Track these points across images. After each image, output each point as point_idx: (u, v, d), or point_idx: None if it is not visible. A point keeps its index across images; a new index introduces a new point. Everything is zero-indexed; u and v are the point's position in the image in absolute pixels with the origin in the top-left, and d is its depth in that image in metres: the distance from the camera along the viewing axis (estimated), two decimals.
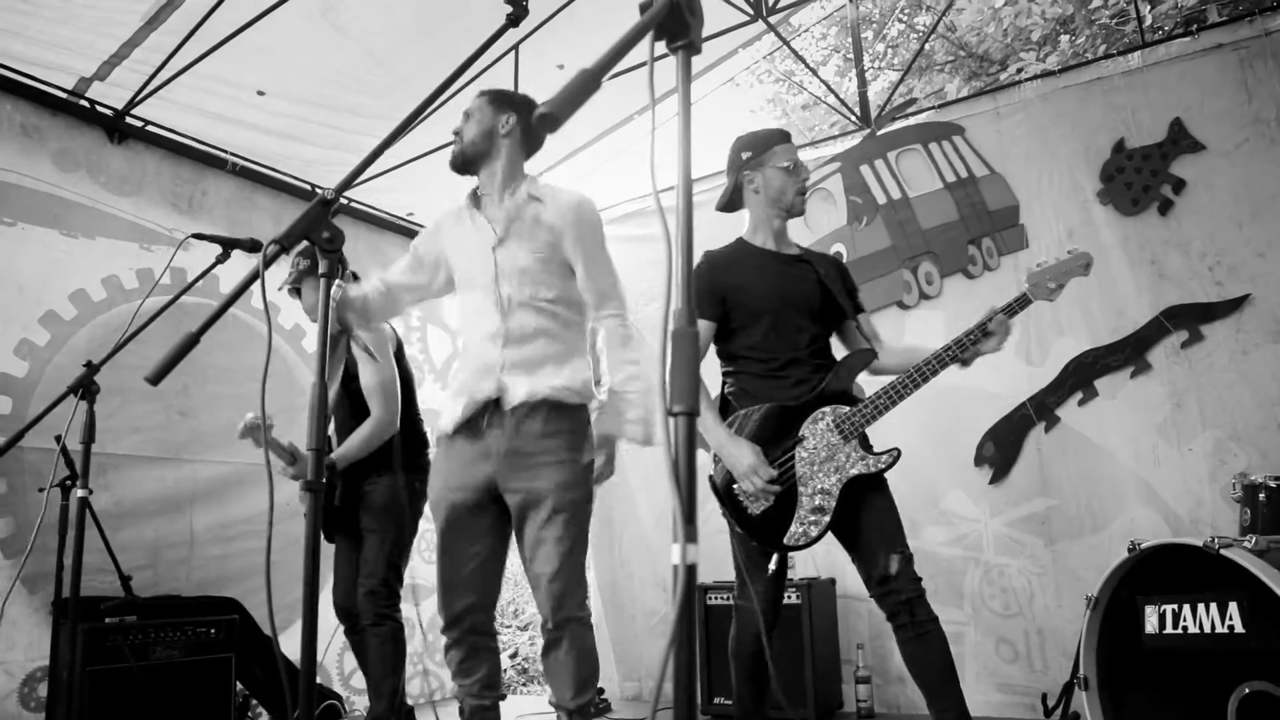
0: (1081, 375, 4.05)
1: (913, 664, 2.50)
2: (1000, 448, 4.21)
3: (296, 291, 3.54)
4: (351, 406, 3.38)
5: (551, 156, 5.45)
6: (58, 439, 3.19)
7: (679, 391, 0.94)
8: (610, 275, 2.56)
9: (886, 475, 2.64)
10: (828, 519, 2.58)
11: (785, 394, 2.67)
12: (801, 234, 4.89)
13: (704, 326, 2.73)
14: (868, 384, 2.72)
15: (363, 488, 3.35)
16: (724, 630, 4.15)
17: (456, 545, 2.40)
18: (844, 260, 4.30)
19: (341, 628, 3.51)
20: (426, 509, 3.10)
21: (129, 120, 4.27)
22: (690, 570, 0.90)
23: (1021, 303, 2.65)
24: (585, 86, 0.98)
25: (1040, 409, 4.13)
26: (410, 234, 5.66)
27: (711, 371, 2.54)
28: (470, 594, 2.38)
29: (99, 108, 4.18)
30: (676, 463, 0.92)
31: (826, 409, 2.64)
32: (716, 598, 4.35)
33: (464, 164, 2.58)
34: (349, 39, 4.16)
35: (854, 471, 2.59)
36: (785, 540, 2.58)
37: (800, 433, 2.63)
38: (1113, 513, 3.89)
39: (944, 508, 4.29)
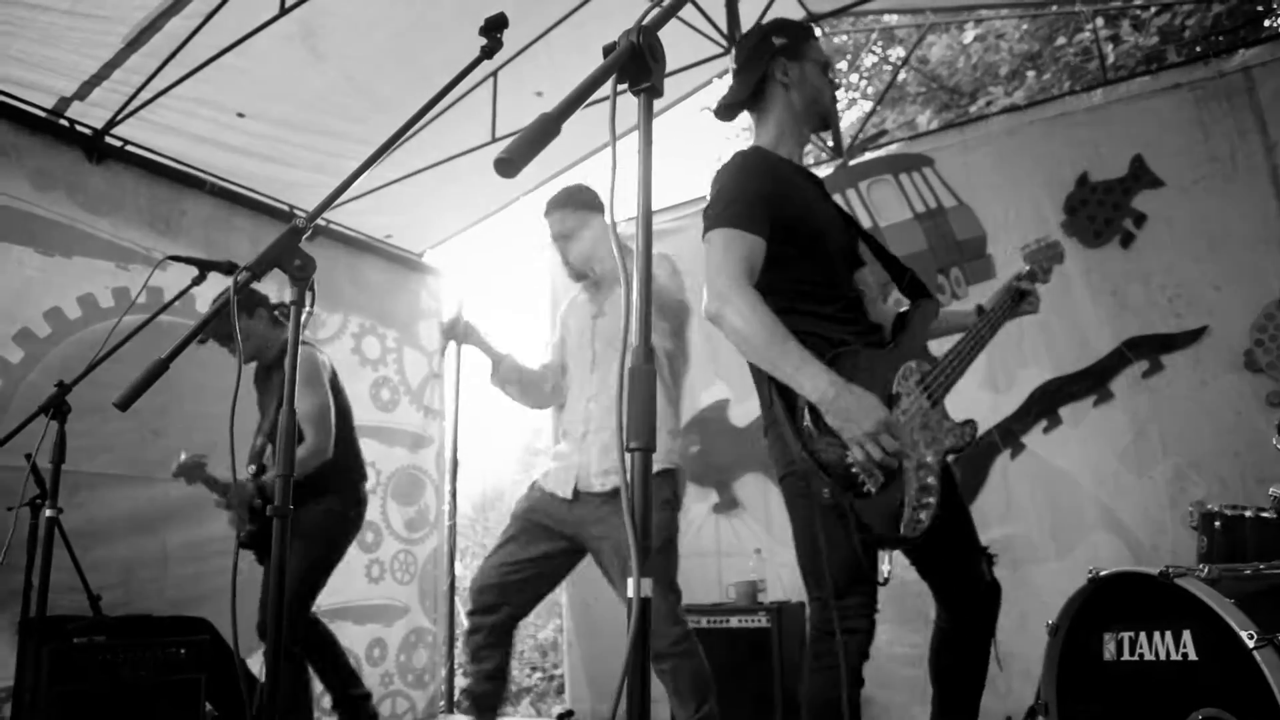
0: (1046, 403, 4.14)
1: (950, 673, 2.25)
2: (966, 474, 4.28)
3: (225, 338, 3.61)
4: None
5: (527, 182, 5.49)
6: (28, 457, 3.19)
7: (636, 428, 0.99)
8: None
9: None
10: (934, 501, 1.93)
11: (858, 344, 2.03)
12: None
13: (756, 244, 1.97)
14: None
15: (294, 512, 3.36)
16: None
17: None
18: None
19: None
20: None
21: (108, 140, 4.29)
22: (645, 602, 0.94)
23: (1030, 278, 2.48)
24: (545, 131, 1.03)
25: (1006, 436, 4.21)
26: (388, 256, 5.69)
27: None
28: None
29: (78, 127, 4.20)
30: (632, 498, 0.96)
31: (913, 363, 2.05)
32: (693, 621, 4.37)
33: (581, 276, 3.07)
34: (328, 64, 4.21)
35: (949, 442, 2.03)
36: (902, 531, 1.89)
37: (895, 389, 1.99)
38: (1076, 539, 3.97)
39: None
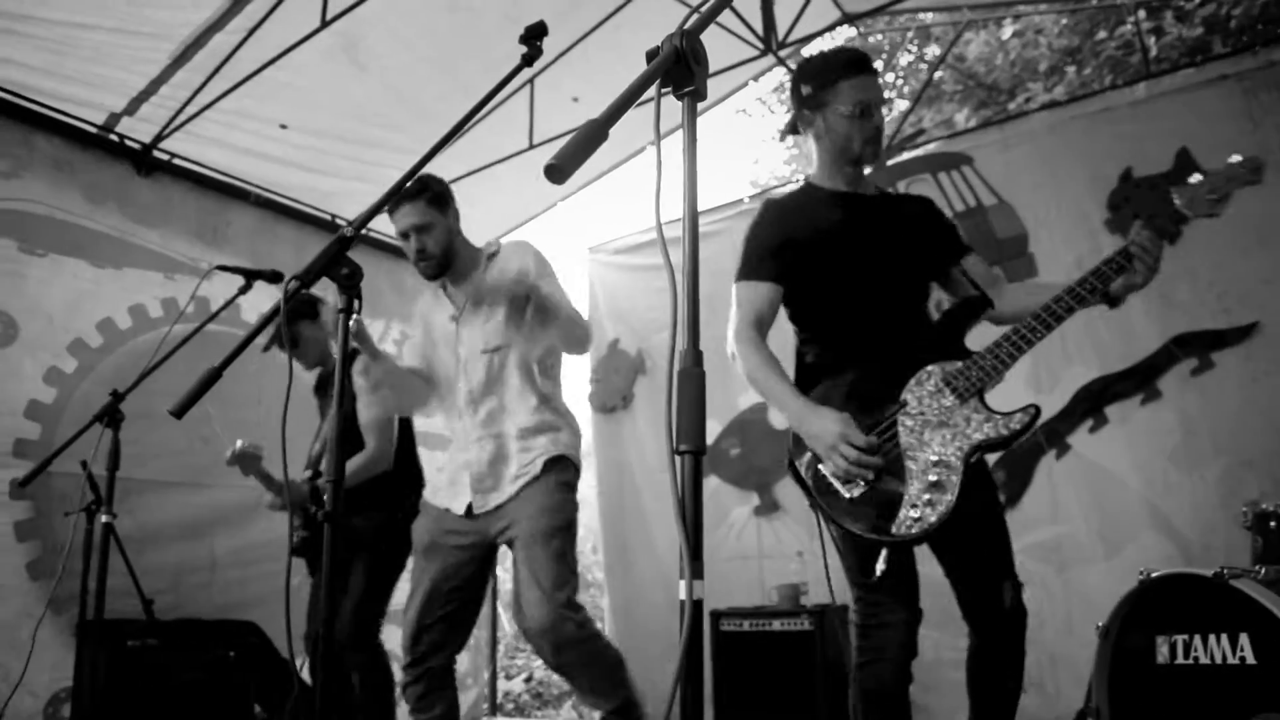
0: (1091, 403, 4.07)
1: (985, 684, 2.25)
2: (1011, 475, 4.23)
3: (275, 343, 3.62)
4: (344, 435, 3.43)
5: (567, 186, 5.53)
6: (83, 465, 3.27)
7: (685, 431, 0.99)
8: None
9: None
10: (950, 498, 1.97)
11: (878, 359, 2.16)
12: None
13: (764, 290, 2.24)
14: (988, 336, 2.15)
15: (351, 521, 3.36)
16: (738, 658, 4.19)
17: None
18: None
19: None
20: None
21: (156, 154, 4.38)
22: (697, 605, 0.95)
23: (1174, 218, 2.21)
24: (592, 138, 1.04)
25: (1051, 436, 4.15)
26: None
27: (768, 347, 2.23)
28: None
29: (128, 142, 4.30)
30: (683, 500, 0.97)
31: (933, 366, 2.12)
32: (730, 625, 4.35)
33: (441, 271, 2.86)
34: (368, 74, 4.27)
35: (979, 436, 2.03)
36: (894, 530, 1.98)
37: (901, 397, 2.11)
38: (1124, 540, 3.90)
39: None
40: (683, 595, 0.96)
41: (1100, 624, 2.81)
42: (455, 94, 4.34)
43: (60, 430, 3.78)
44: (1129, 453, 3.96)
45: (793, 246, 2.25)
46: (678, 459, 0.99)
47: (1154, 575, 2.70)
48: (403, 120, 4.51)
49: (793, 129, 2.40)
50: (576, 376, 5.86)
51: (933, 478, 2.00)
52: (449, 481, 2.84)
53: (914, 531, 1.97)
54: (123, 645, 3.42)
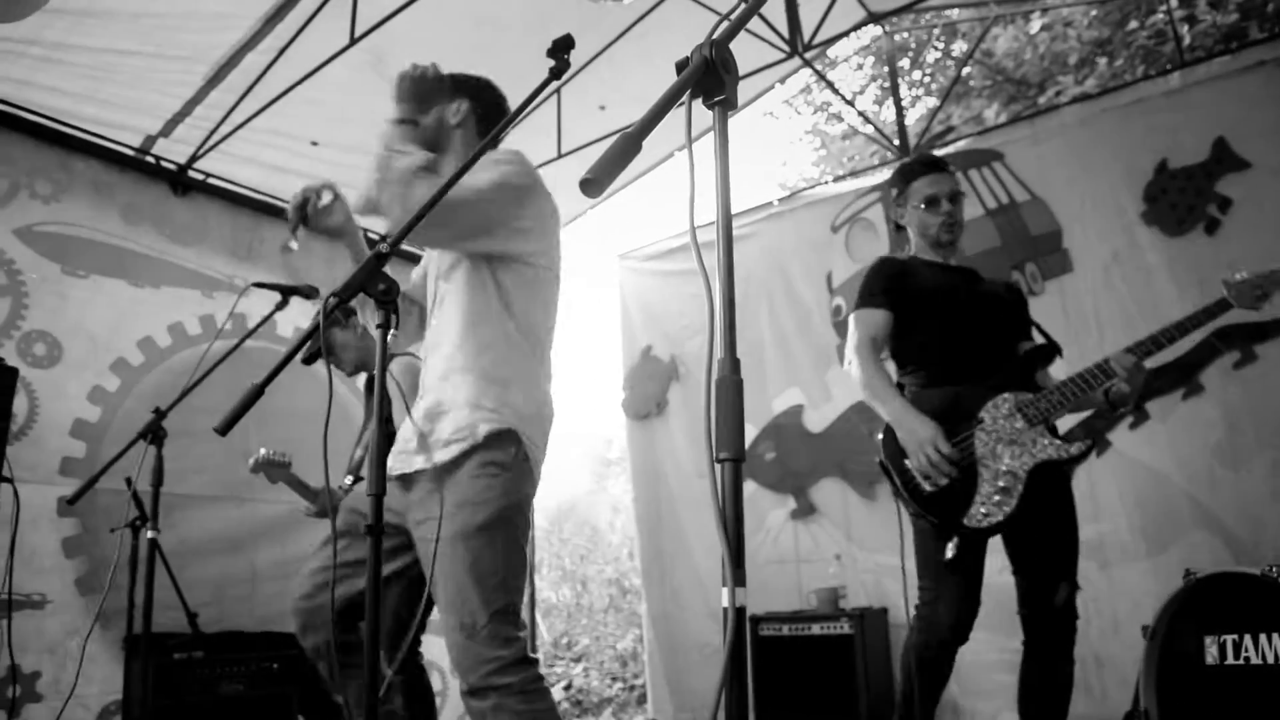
0: None
1: (1032, 693, 2.52)
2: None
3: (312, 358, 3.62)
4: (387, 446, 3.46)
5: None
6: (128, 482, 3.33)
7: (724, 438, 0.99)
8: None
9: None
10: (1014, 503, 2.41)
11: (964, 385, 2.60)
12: (844, 264, 4.93)
13: (879, 315, 2.71)
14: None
15: None
16: (777, 662, 4.17)
17: None
18: None
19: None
20: None
21: (191, 174, 4.46)
22: (740, 612, 0.95)
23: (1220, 306, 2.63)
24: (625, 150, 1.04)
25: (1090, 433, 4.09)
26: None
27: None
28: None
29: (164, 163, 4.38)
30: (724, 508, 0.97)
31: (1008, 394, 2.55)
32: (769, 629, 4.34)
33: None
34: None
35: (1044, 456, 2.45)
36: (965, 521, 2.42)
37: (980, 415, 2.53)
38: (1169, 538, 3.83)
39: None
40: (725, 602, 0.96)
41: (1146, 624, 2.77)
42: None
43: (105, 448, 3.85)
44: (1171, 449, 3.90)
45: (900, 288, 2.73)
46: (717, 466, 0.99)
47: (1200, 574, 2.65)
48: None
49: (896, 226, 2.95)
50: (611, 383, 5.86)
51: (1002, 484, 2.44)
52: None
53: (984, 524, 2.41)
54: (169, 658, 3.48)
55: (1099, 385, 2.54)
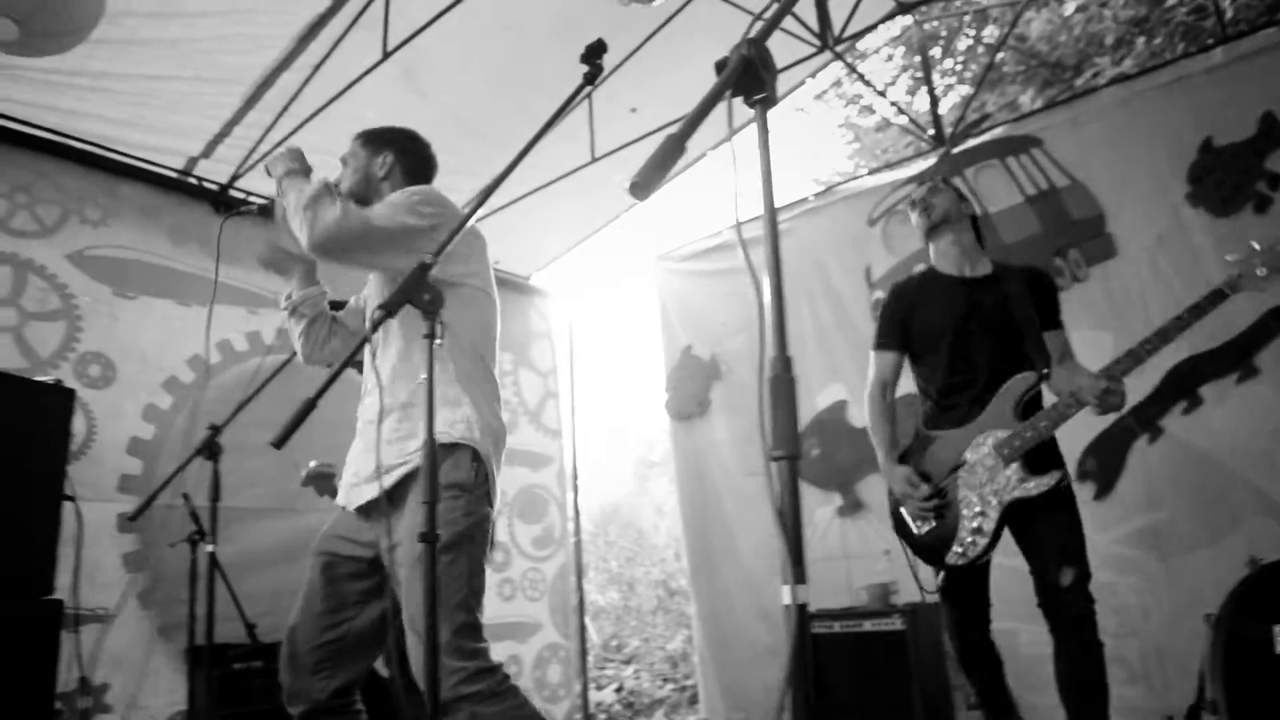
0: (1183, 384, 3.93)
1: (1063, 680, 2.58)
2: (1102, 462, 4.10)
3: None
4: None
5: (629, 197, 5.56)
6: (185, 497, 3.41)
7: (779, 437, 1.00)
8: None
9: (1075, 494, 2.72)
10: (986, 541, 2.65)
11: (955, 423, 2.81)
12: (882, 257, 4.89)
13: (888, 358, 2.99)
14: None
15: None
16: (829, 660, 4.13)
17: None
18: None
19: None
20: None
21: (233, 192, 4.54)
22: (802, 609, 0.95)
23: (1213, 300, 2.62)
24: (672, 152, 1.05)
25: (1142, 421, 4.01)
26: (498, 281, 5.80)
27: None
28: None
29: (206, 183, 4.46)
30: (781, 506, 0.97)
31: (987, 434, 2.73)
32: (820, 627, 4.30)
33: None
34: (429, 101, 4.36)
35: (1010, 496, 2.64)
36: (946, 560, 2.72)
37: (964, 456, 2.75)
38: (1228, 525, 3.75)
39: None
40: (786, 600, 0.96)
41: (1209, 614, 2.72)
42: (513, 114, 4.40)
43: (161, 465, 3.93)
44: (1228, 434, 3.81)
45: (906, 328, 2.97)
46: (773, 465, 0.99)
47: (1265, 561, 2.60)
48: (465, 144, 4.59)
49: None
50: (651, 386, 5.88)
51: (975, 524, 2.67)
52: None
53: (960, 563, 2.68)
54: (230, 668, 3.55)
55: (1071, 414, 2.66)
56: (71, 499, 3.34)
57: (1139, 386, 4.01)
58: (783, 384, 1.02)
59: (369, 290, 2.52)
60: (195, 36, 3.68)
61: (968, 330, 2.82)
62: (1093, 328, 4.06)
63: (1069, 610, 2.55)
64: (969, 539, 2.66)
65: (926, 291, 2.96)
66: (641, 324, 6.48)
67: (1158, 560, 3.89)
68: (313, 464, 3.35)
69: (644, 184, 0.98)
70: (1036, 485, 2.62)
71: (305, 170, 2.34)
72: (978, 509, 2.67)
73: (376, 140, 2.50)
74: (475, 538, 2.01)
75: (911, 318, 2.94)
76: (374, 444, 2.11)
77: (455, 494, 2.00)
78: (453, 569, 1.95)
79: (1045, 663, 3.83)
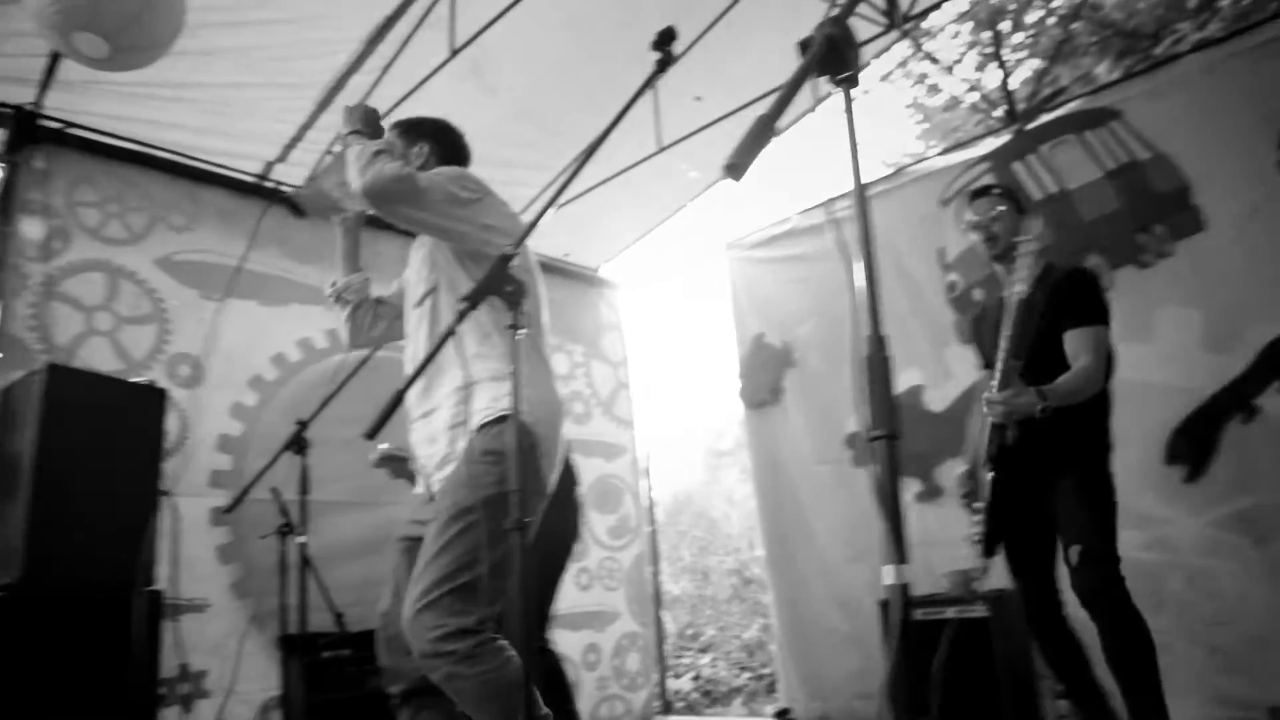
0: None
1: (1106, 659, 2.61)
2: (1194, 444, 3.96)
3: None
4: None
5: (696, 185, 5.55)
6: (274, 492, 3.52)
7: (878, 416, 0.99)
8: None
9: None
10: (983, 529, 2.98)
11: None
12: (956, 238, 4.80)
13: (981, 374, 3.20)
14: None
15: None
16: (912, 649, 4.08)
17: None
18: None
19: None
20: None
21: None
22: (904, 589, 0.94)
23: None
24: (763, 132, 1.04)
25: (1235, 400, 3.86)
26: (568, 274, 5.90)
27: None
28: None
29: (283, 187, 4.59)
30: (882, 485, 0.96)
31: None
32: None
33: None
34: (497, 97, 4.41)
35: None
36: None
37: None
38: None
39: (1136, 510, 4.06)
40: (888, 580, 0.95)
41: None
42: (580, 107, 4.44)
43: (250, 460, 4.06)
44: None
45: (979, 343, 3.27)
46: (873, 445, 0.98)
47: None
48: (534, 138, 4.63)
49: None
50: (718, 375, 5.88)
51: (977, 518, 2.98)
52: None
53: (977, 546, 3.01)
54: (319, 656, 3.65)
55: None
56: (168, 494, 3.47)
57: (1232, 365, 3.87)
58: (878, 363, 1.01)
59: (409, 272, 2.60)
60: (267, 44, 3.78)
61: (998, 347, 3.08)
62: (1181, 305, 3.93)
63: (1084, 587, 2.64)
64: (975, 530, 3.01)
65: (986, 310, 3.28)
66: (710, 313, 6.46)
67: (1254, 545, 3.75)
68: (384, 446, 3.42)
69: (739, 164, 0.98)
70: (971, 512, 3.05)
71: (374, 134, 2.48)
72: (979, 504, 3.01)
73: (413, 130, 2.62)
74: (502, 508, 1.91)
75: (978, 336, 3.29)
76: (434, 434, 2.23)
77: (492, 460, 2.03)
78: (470, 531, 1.97)
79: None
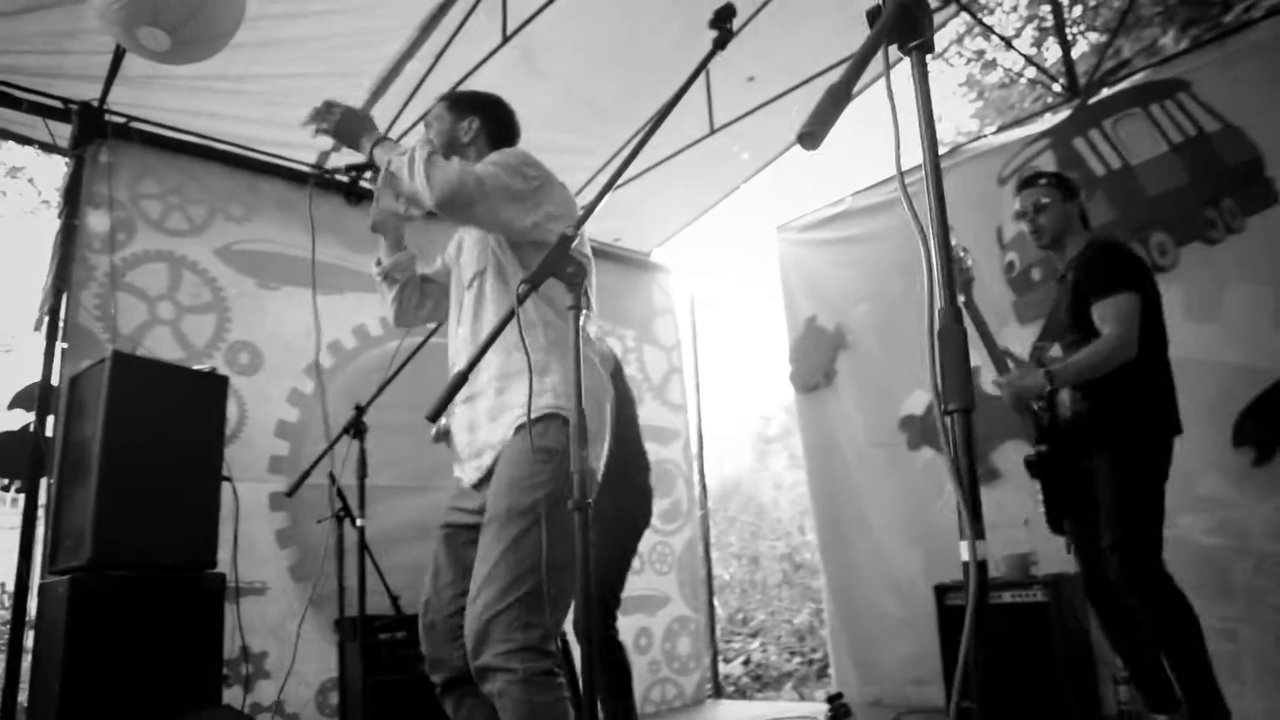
0: None
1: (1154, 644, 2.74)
2: (1263, 425, 3.84)
3: None
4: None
5: (748, 167, 5.51)
6: (331, 477, 3.58)
7: (952, 389, 0.96)
8: None
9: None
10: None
11: None
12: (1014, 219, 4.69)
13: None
14: None
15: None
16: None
17: None
18: None
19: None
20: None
21: (363, 184, 4.70)
22: (981, 566, 0.92)
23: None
24: (837, 101, 1.02)
25: None
26: (619, 258, 5.89)
27: None
28: None
29: (338, 176, 4.63)
30: (956, 459, 0.94)
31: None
32: (956, 599, 4.20)
33: None
34: (549, 81, 4.41)
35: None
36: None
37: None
38: None
39: (1200, 493, 3.95)
40: (965, 557, 0.93)
41: None
42: (631, 90, 4.42)
43: (307, 446, 4.13)
44: None
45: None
46: (947, 419, 0.96)
47: None
48: (586, 122, 4.62)
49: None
50: (766, 360, 5.84)
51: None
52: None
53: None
54: (375, 638, 3.71)
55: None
56: (229, 479, 3.54)
57: None
58: (952, 335, 0.98)
59: (454, 250, 2.52)
60: (323, 34, 3.82)
61: (1050, 323, 3.23)
62: (1252, 282, 3.80)
63: (1114, 577, 2.72)
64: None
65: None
66: (760, 296, 6.41)
67: None
68: (444, 420, 3.42)
69: (814, 133, 0.96)
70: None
71: (349, 143, 2.38)
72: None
73: (462, 104, 2.50)
74: (560, 507, 1.87)
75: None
76: (474, 421, 2.17)
77: (544, 458, 1.98)
78: (530, 534, 1.92)
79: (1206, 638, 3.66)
